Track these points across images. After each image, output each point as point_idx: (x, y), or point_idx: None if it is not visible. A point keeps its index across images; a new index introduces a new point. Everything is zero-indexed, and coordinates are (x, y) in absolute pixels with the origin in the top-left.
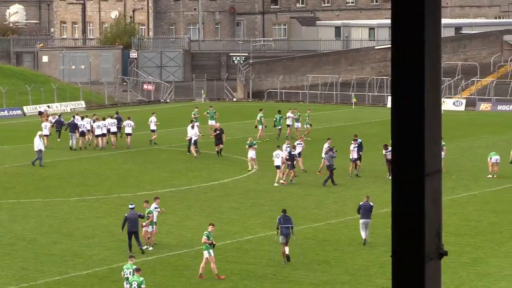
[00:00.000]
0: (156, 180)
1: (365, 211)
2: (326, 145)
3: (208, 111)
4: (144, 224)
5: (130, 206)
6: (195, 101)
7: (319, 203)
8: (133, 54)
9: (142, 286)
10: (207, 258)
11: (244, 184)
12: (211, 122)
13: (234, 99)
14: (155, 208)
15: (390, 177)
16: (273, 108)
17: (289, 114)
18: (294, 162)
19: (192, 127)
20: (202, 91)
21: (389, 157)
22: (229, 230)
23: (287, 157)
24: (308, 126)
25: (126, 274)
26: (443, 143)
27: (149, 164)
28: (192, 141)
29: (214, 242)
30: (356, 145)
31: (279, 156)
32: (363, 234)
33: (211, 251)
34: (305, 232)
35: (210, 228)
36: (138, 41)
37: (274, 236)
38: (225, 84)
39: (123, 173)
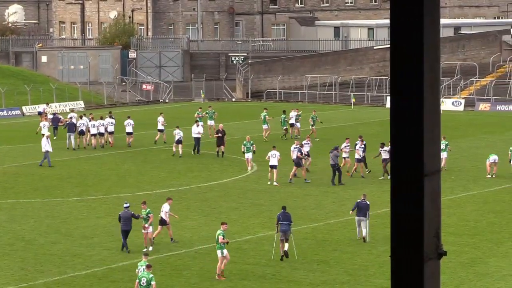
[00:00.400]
0: (155, 180)
1: (362, 209)
2: (344, 145)
3: (207, 111)
4: (146, 225)
5: (125, 205)
6: (194, 101)
7: (318, 203)
8: (132, 54)
9: (152, 282)
10: (221, 257)
11: (243, 184)
12: (210, 122)
13: (233, 99)
14: (168, 209)
15: (383, 178)
16: (272, 108)
17: (292, 113)
18: (303, 161)
19: (197, 126)
20: (201, 91)
21: (384, 156)
22: (228, 230)
23: (299, 156)
24: (313, 127)
25: (140, 271)
26: (446, 142)
27: (148, 164)
28: (176, 139)
29: (228, 240)
30: (363, 145)
31: (275, 156)
32: (358, 231)
33: (224, 250)
34: (304, 232)
35: (223, 227)
36: (137, 41)
37: (273, 235)
38: (224, 84)
39: (122, 173)
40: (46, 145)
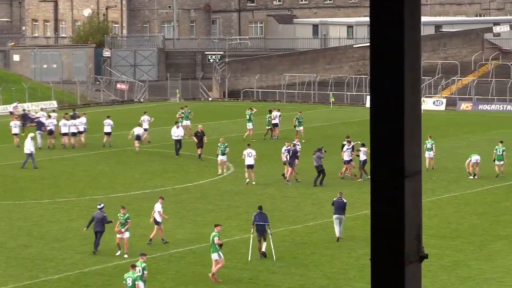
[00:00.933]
0: (129, 182)
1: (339, 207)
2: (345, 148)
3: (183, 111)
4: (122, 230)
5: (99, 206)
6: (170, 101)
7: (296, 205)
8: (106, 53)
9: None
10: (217, 260)
11: (220, 185)
12: (186, 123)
13: (210, 99)
14: (161, 209)
15: (361, 180)
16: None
17: (275, 113)
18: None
19: (177, 127)
20: (177, 90)
21: (361, 157)
22: (203, 232)
23: (290, 156)
24: (300, 128)
25: (137, 273)
26: (432, 142)
27: (122, 165)
28: (135, 135)
29: (222, 242)
30: (350, 146)
31: (251, 155)
32: (336, 230)
33: (220, 253)
34: (282, 235)
35: (217, 228)
36: (112, 40)
37: (250, 238)
38: (200, 83)
39: (95, 175)
40: (30, 147)
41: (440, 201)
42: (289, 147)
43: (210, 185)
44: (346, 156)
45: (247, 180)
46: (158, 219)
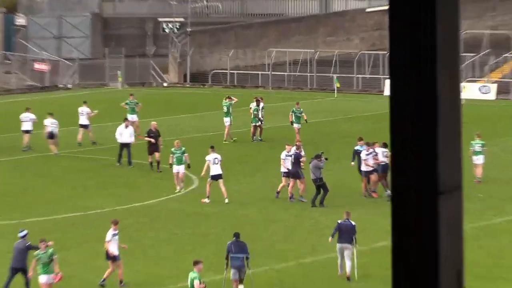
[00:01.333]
0: (53, 201)
1: (345, 232)
2: (364, 154)
3: (127, 102)
4: (55, 275)
5: (20, 234)
6: (109, 86)
7: (287, 233)
8: (20, 20)
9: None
10: None
11: (179, 206)
12: (131, 117)
13: (165, 84)
14: (113, 235)
15: (388, 193)
16: (221, 97)
17: (260, 104)
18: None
19: (126, 126)
20: (119, 72)
21: (382, 158)
22: (157, 273)
23: (293, 162)
24: (297, 125)
25: None
26: (483, 142)
27: (44, 177)
28: (47, 133)
29: (204, 285)
30: (371, 151)
31: (217, 162)
32: (340, 265)
33: None
34: (266, 276)
35: (197, 267)
36: (28, 2)
37: (221, 280)
38: (152, 62)
39: (4, 191)
40: None
41: (490, 228)
42: (290, 152)
43: (164, 205)
44: (364, 166)
45: (207, 200)
46: (113, 251)
